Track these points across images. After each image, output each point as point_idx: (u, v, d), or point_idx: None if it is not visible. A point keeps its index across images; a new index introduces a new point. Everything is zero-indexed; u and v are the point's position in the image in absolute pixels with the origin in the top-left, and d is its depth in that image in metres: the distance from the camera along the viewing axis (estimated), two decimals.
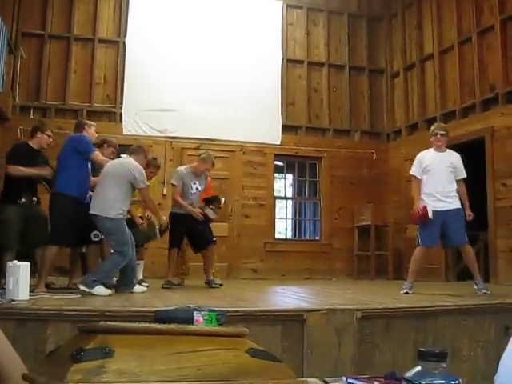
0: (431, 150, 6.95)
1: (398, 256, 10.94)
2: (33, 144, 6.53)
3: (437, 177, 6.73)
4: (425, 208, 6.67)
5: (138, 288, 6.17)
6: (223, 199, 7.76)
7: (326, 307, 4.55)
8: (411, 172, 6.96)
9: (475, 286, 6.59)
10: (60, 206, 6.02)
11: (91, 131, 6.60)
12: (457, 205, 6.72)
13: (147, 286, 7.44)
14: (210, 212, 7.48)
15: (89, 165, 6.37)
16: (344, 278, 10.92)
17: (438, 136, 6.85)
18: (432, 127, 7.25)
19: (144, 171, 6.25)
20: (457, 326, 4.88)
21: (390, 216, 11.14)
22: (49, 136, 6.59)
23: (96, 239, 6.34)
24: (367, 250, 10.93)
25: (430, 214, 6.63)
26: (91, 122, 6.80)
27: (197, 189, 7.47)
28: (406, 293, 6.51)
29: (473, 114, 9.72)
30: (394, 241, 10.98)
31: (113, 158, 6.82)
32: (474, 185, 9.01)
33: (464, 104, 9.92)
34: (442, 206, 6.67)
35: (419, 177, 6.85)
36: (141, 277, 7.76)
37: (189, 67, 10.74)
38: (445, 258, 9.60)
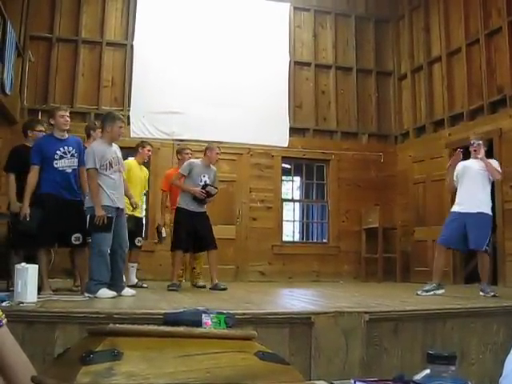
0: (471, 159, 7.22)
1: (406, 259, 10.92)
2: (29, 143, 6.59)
3: (468, 182, 6.98)
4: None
5: (126, 291, 6.03)
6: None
7: (334, 310, 4.55)
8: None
9: (481, 293, 6.63)
10: (38, 206, 6.01)
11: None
12: (485, 209, 6.87)
13: (146, 287, 7.51)
14: (211, 189, 7.41)
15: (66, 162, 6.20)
16: (351, 280, 10.90)
17: (475, 145, 7.09)
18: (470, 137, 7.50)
19: (95, 152, 5.90)
20: (465, 329, 4.88)
21: (398, 218, 11.11)
22: (40, 131, 6.65)
23: (76, 242, 6.11)
24: (375, 252, 10.90)
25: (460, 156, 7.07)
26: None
27: (205, 182, 7.45)
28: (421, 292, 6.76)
29: (481, 117, 9.68)
30: (402, 243, 10.95)
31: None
32: None
33: (472, 106, 9.89)
34: (467, 208, 6.84)
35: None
36: (135, 280, 7.79)
37: (196, 70, 10.76)
38: (453, 261, 9.56)
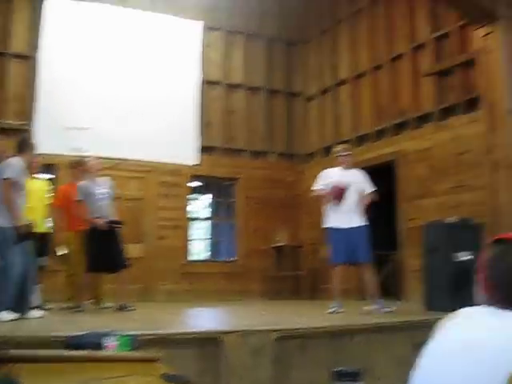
0: (336, 168, 7.32)
1: (313, 276, 11.07)
2: None
3: (347, 196, 7.02)
4: (336, 185, 6.97)
5: (33, 313, 5.84)
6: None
7: (242, 328, 4.55)
8: (314, 187, 7.29)
9: (372, 307, 6.80)
10: None
11: None
12: (360, 222, 7.02)
13: (50, 309, 7.24)
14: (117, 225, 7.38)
15: None
16: (260, 298, 10.91)
17: (342, 156, 7.25)
18: (335, 149, 7.71)
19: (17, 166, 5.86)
20: (371, 344, 4.98)
21: (305, 237, 11.27)
22: None
23: None
24: (282, 270, 11.00)
25: (343, 185, 6.94)
26: None
27: (102, 194, 7.34)
28: (333, 312, 6.70)
29: (385, 138, 10.00)
30: (309, 261, 11.10)
31: None
32: (386, 207, 9.28)
33: (376, 127, 10.20)
34: (346, 224, 6.95)
35: (322, 187, 7.17)
36: (38, 301, 7.52)
37: (106, 85, 10.54)
38: (357, 277, 9.74)
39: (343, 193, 6.97)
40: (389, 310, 6.64)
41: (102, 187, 7.41)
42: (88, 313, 6.91)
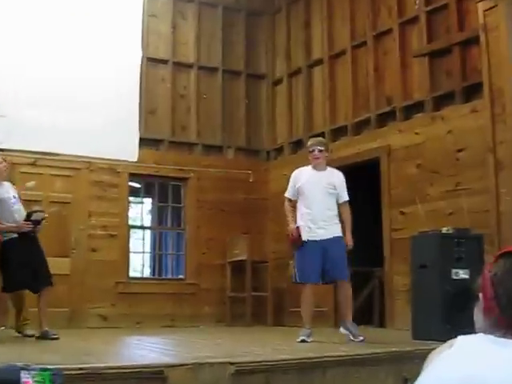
0: (309, 167, 7.31)
1: (279, 297, 11.05)
2: None
3: (312, 199, 7.07)
4: (297, 230, 7.00)
5: None
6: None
7: (192, 361, 4.52)
8: (286, 194, 7.40)
9: (344, 331, 6.87)
10: None
11: None
12: (337, 232, 7.04)
13: None
14: (37, 215, 7.45)
15: None
16: (214, 324, 10.89)
17: (316, 152, 7.20)
18: (309, 142, 7.69)
19: None
20: (348, 379, 4.96)
21: (270, 250, 11.25)
22: None
23: None
24: (242, 290, 10.96)
25: (304, 237, 6.95)
26: None
27: (14, 197, 7.50)
28: (303, 341, 6.67)
29: (367, 131, 10.03)
30: (274, 279, 11.08)
31: None
32: (368, 213, 9.31)
33: (357, 118, 10.23)
34: (319, 234, 6.97)
35: (293, 198, 7.29)
36: None
37: (25, 64, 10.36)
38: (334, 299, 9.76)
39: (300, 243, 7.02)
40: (361, 339, 6.69)
41: (10, 191, 7.55)
42: (1, 342, 6.77)
